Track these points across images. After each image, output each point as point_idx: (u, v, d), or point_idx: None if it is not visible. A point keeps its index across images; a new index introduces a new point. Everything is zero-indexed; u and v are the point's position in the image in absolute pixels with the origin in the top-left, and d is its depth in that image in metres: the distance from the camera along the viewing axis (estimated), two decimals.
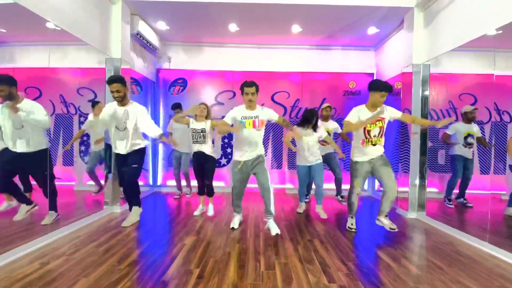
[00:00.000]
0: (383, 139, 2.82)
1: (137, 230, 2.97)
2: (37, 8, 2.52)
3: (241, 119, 2.67)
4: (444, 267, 2.20)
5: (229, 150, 5.33)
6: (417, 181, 3.65)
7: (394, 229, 2.83)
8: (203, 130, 3.35)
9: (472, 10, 2.98)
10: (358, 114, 2.81)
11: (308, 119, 3.42)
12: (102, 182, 3.81)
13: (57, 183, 4.03)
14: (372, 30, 4.53)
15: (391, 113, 2.81)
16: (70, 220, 3.02)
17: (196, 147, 3.40)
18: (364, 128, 2.74)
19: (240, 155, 2.78)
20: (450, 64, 3.80)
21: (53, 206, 2.83)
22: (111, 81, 2.78)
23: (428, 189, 3.74)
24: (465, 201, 3.77)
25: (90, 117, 3.73)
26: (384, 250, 2.52)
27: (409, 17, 3.82)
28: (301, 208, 3.80)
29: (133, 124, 2.86)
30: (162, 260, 2.24)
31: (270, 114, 2.78)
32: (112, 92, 2.78)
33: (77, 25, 3.06)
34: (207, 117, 3.47)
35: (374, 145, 2.79)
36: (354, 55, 5.31)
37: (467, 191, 3.83)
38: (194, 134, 3.37)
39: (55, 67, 3.83)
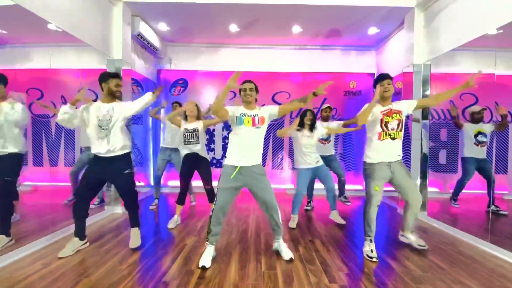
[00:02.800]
0: (402, 134, 2.49)
1: None
2: (38, 10, 2.53)
3: (240, 115, 2.32)
4: (445, 267, 2.20)
5: None
6: (418, 181, 3.64)
7: (423, 246, 2.51)
8: (195, 130, 3.17)
9: (472, 9, 2.98)
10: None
11: (301, 121, 3.23)
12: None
13: (58, 183, 4.06)
14: (372, 30, 4.53)
15: (406, 105, 2.50)
16: (71, 221, 3.02)
17: (188, 149, 3.21)
18: (381, 120, 2.44)
19: (235, 160, 2.29)
20: (451, 63, 3.79)
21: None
22: (116, 75, 2.57)
23: (429, 189, 3.73)
24: (497, 208, 3.33)
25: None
26: (385, 250, 2.52)
27: (410, 17, 3.82)
28: (294, 222, 3.21)
29: (118, 121, 2.53)
30: (163, 261, 2.24)
31: (270, 109, 2.41)
32: (116, 85, 2.52)
33: (79, 27, 3.08)
34: (198, 117, 3.32)
35: (393, 139, 2.42)
36: (355, 55, 5.32)
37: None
38: (186, 134, 3.18)
39: (56, 68, 3.86)
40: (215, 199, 2.32)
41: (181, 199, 3.22)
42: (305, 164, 3.19)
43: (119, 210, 3.67)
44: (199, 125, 3.21)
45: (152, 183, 5.16)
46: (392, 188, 2.71)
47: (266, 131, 2.43)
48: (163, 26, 4.54)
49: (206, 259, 2.21)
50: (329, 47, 5.27)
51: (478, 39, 2.89)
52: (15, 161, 2.52)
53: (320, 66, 5.29)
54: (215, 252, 2.38)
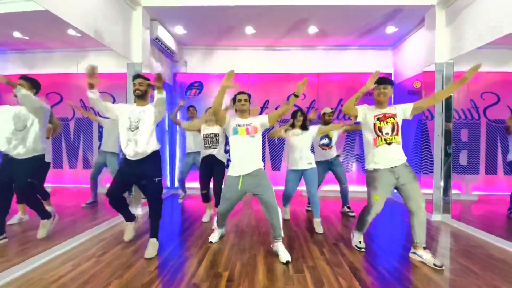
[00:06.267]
0: (399, 138, 2.38)
1: (160, 232, 2.98)
2: (64, 15, 2.60)
3: (235, 126, 2.51)
4: (477, 271, 2.14)
5: None
6: (441, 183, 3.55)
7: (440, 267, 2.18)
8: (216, 135, 3.28)
9: (497, 6, 2.90)
10: (365, 110, 2.45)
11: (293, 122, 3.16)
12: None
13: (78, 185, 4.13)
14: (390, 30, 4.47)
15: (401, 109, 2.39)
16: (94, 222, 3.08)
17: (207, 152, 3.31)
18: (374, 125, 2.38)
19: (237, 169, 2.45)
20: (474, 62, 3.69)
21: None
22: (136, 76, 2.62)
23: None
24: None
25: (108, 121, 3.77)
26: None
27: (430, 15, 3.75)
28: (286, 214, 3.51)
29: (147, 125, 2.48)
30: (190, 263, 2.25)
31: (261, 119, 2.55)
32: (134, 85, 2.54)
33: (101, 31, 3.13)
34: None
35: (389, 144, 2.34)
36: (371, 55, 5.25)
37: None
38: (206, 139, 3.29)
39: (75, 72, 3.94)
40: (219, 206, 2.61)
41: (205, 198, 3.45)
42: (295, 166, 3.18)
43: (139, 211, 3.70)
44: (220, 129, 3.28)
45: (168, 184, 5.25)
46: None
47: (263, 134, 2.52)
48: (179, 30, 4.58)
49: (215, 236, 2.76)
50: (345, 47, 5.22)
51: (504, 37, 2.81)
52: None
53: (335, 67, 5.25)
54: (224, 232, 2.90)
